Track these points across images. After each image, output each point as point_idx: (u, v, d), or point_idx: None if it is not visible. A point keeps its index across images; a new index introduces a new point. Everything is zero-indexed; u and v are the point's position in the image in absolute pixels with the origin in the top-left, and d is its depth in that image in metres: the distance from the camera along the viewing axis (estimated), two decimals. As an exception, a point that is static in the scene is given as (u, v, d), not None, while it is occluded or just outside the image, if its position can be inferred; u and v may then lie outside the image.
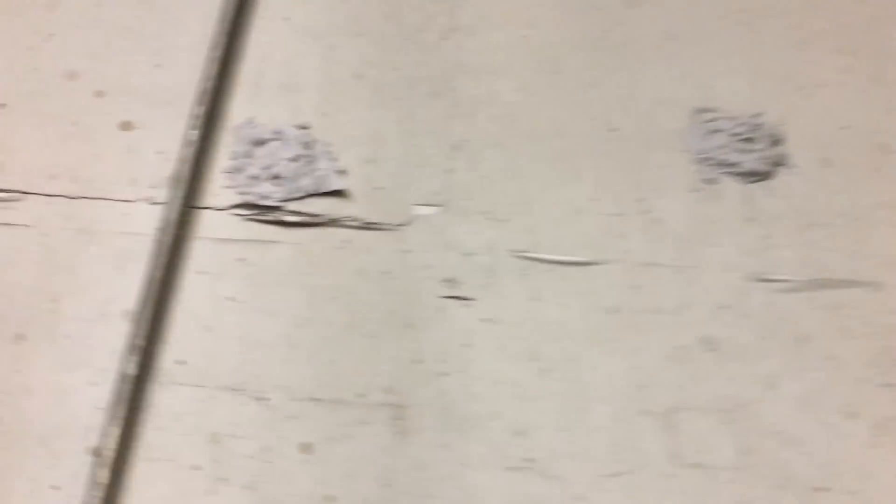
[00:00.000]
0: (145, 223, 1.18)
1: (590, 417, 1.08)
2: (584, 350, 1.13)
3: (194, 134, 1.22)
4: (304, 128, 1.28)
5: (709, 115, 1.34)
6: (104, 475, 0.98)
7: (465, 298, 1.16)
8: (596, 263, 1.20)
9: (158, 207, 1.19)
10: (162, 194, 1.20)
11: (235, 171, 1.24)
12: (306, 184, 1.22)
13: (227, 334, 1.12)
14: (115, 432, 1.00)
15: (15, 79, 1.30)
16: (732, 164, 1.29)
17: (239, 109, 1.30)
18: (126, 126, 1.26)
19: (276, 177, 1.22)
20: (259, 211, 1.20)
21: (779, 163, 1.30)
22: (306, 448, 1.04)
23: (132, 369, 1.04)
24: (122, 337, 1.08)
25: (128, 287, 1.13)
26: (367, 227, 1.21)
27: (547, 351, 1.13)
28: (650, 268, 1.20)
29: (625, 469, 1.04)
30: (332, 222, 1.20)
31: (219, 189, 1.22)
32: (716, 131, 1.32)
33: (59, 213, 1.18)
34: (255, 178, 1.22)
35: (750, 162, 1.29)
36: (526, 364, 1.11)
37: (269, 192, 1.21)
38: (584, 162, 1.29)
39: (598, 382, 1.10)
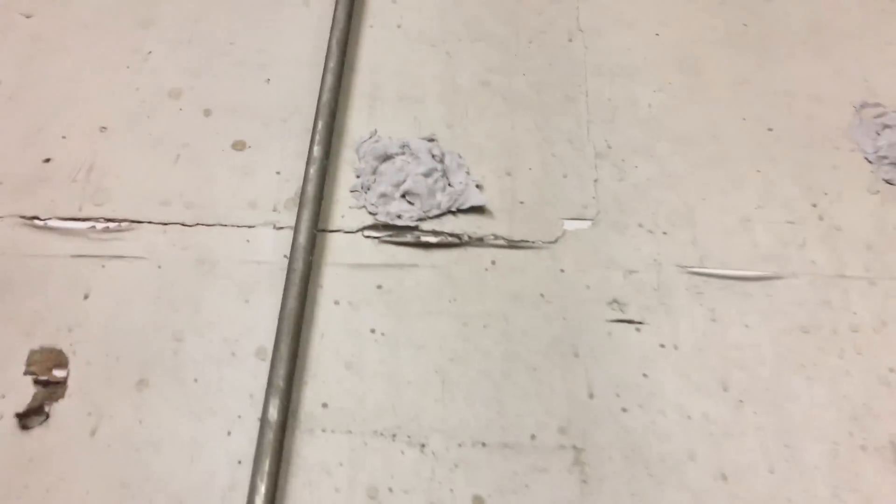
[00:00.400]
0: (270, 250, 1.06)
1: (801, 455, 0.93)
2: (781, 377, 0.98)
3: (318, 150, 1.10)
4: (431, 140, 1.16)
5: (875, 111, 1.20)
6: (255, 540, 0.84)
7: (634, 322, 1.02)
8: (777, 277, 1.05)
9: (283, 232, 1.07)
10: (285, 217, 1.08)
11: (363, 189, 1.11)
12: (442, 200, 1.10)
13: (372, 371, 0.98)
14: (262, 489, 0.86)
15: (115, 100, 1.19)
16: (914, 162, 1.15)
17: (358, 123, 1.19)
18: (239, 145, 1.14)
19: (408, 194, 1.10)
20: (393, 232, 1.08)
21: (963, 159, 1.16)
22: (479, 502, 0.90)
23: (275, 415, 0.90)
24: (258, 378, 0.95)
25: (257, 321, 1.00)
26: (514, 245, 1.08)
27: (738, 379, 0.98)
28: (839, 280, 1.05)
29: (853, 515, 0.89)
30: (476, 242, 1.07)
31: (347, 210, 1.10)
32: (886, 127, 1.18)
33: (174, 242, 1.06)
34: (385, 196, 1.10)
35: (933, 158, 1.15)
36: (717, 395, 0.97)
37: (403, 211, 1.09)
38: (744, 166, 1.16)
39: (804, 414, 0.95)
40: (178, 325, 1.00)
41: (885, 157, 1.15)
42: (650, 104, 1.22)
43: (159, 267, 1.04)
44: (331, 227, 1.08)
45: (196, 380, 0.96)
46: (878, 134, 1.17)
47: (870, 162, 1.16)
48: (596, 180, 1.14)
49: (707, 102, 1.22)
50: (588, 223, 1.10)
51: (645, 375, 0.98)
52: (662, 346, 1.00)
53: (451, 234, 1.08)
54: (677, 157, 1.16)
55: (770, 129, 1.19)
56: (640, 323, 1.02)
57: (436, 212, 1.09)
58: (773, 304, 1.04)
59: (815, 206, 1.12)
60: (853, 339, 1.01)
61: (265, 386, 0.93)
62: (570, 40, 1.29)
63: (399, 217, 1.08)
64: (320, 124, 1.13)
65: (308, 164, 1.10)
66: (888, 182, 1.14)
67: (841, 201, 1.12)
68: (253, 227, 1.08)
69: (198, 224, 1.08)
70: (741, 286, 1.05)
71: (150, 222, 1.08)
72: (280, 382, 0.93)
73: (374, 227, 1.08)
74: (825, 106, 1.22)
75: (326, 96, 1.16)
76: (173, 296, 1.02)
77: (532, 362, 0.99)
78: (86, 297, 1.02)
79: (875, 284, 1.05)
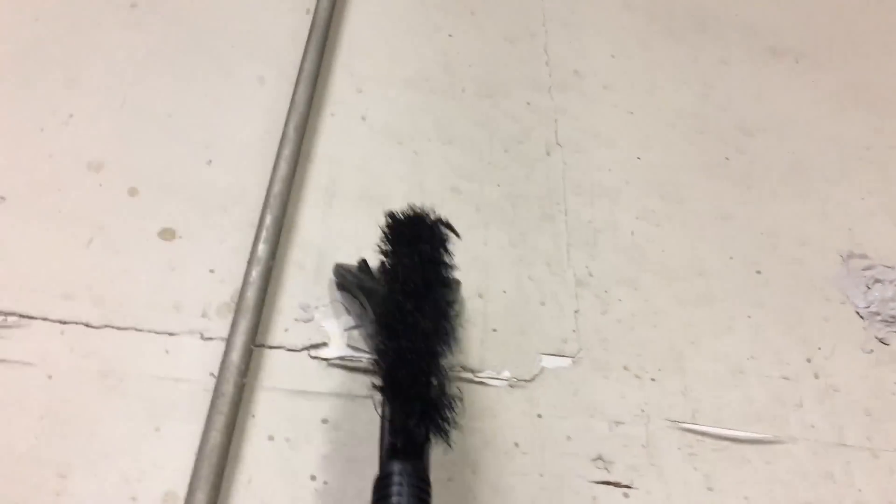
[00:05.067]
0: (194, 365, 0.87)
1: None
2: (788, 563, 0.85)
3: (263, 249, 0.93)
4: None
5: (863, 263, 1.14)
6: None
7: (622, 485, 0.88)
8: (776, 442, 0.94)
9: (212, 344, 0.88)
10: (216, 326, 0.90)
11: (315, 299, 0.94)
12: (405, 321, 0.93)
13: (308, 531, 0.79)
14: None
15: (20, 166, 0.99)
16: (906, 320, 1.08)
17: (311, 221, 1.03)
18: (167, 234, 0.96)
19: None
20: (346, 355, 0.91)
21: (954, 322, 1.09)
22: None
23: (181, 589, 0.70)
24: (163, 535, 0.74)
25: (169, 457, 0.80)
26: (483, 381, 0.93)
27: (740, 563, 0.84)
28: (841, 449, 0.95)
29: None
30: (441, 374, 0.91)
31: (292, 322, 0.92)
32: (877, 281, 1.11)
33: (74, 346, 0.86)
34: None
35: (925, 318, 1.08)
36: (717, 583, 0.82)
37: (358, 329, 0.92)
38: (733, 309, 1.06)
39: None
40: (65, 457, 0.78)
41: (877, 314, 1.08)
42: (633, 231, 1.11)
43: (50, 377, 0.83)
44: (271, 343, 0.91)
45: (80, 532, 0.75)
46: (868, 288, 1.10)
47: (861, 317, 1.08)
48: (577, 311, 1.01)
49: (691, 235, 1.13)
50: (568, 361, 0.96)
51: (634, 553, 0.83)
52: (654, 516, 0.86)
53: (414, 363, 0.91)
54: (663, 292, 1.06)
55: (758, 272, 1.10)
56: (628, 487, 0.88)
57: (397, 334, 0.93)
58: (773, 473, 0.91)
59: (809, 361, 1.02)
60: (860, 520, 0.89)
61: (172, 548, 0.72)
62: (548, 153, 1.18)
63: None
64: (269, 218, 0.97)
65: (250, 263, 0.93)
66: (881, 341, 1.06)
67: (835, 358, 1.03)
68: (175, 334, 0.89)
69: (106, 326, 0.88)
70: (738, 449, 0.92)
71: (45, 319, 0.87)
72: (192, 544, 0.72)
73: (324, 345, 0.91)
74: (811, 251, 1.15)
75: (278, 187, 1.01)
76: (64, 417, 0.81)
77: (504, 529, 0.82)
78: (-54, 410, 0.79)
79: (878, 457, 0.95)
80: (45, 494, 0.75)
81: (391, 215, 0.79)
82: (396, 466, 0.65)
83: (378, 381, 0.68)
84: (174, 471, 0.79)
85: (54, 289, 0.89)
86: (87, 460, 0.78)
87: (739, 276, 1.10)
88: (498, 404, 0.91)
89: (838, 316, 1.08)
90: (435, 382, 0.67)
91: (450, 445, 0.67)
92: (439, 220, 0.78)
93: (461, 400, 0.69)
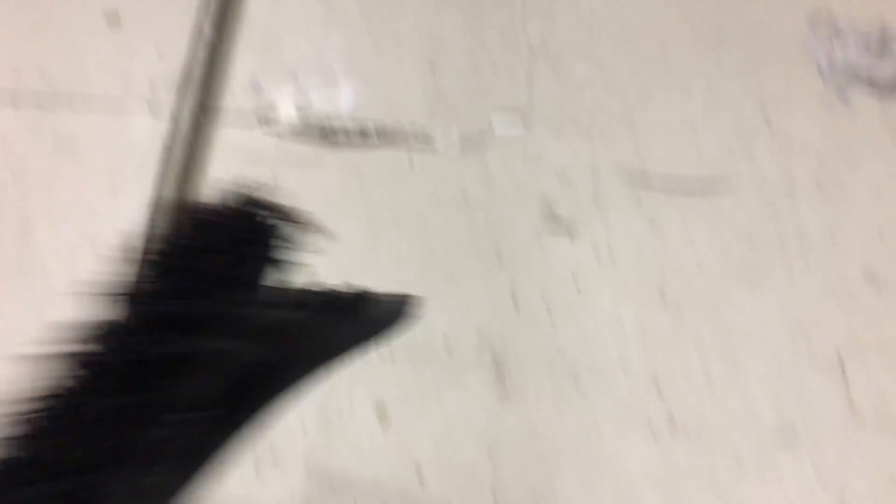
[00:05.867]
0: (145, 135, 0.89)
1: (742, 365, 0.83)
2: (725, 288, 0.88)
3: (209, 27, 0.94)
4: (344, 25, 1.01)
5: (828, 25, 1.11)
6: None
7: (568, 228, 0.90)
8: (724, 188, 0.95)
9: (162, 116, 0.90)
10: (166, 100, 0.91)
11: (264, 76, 0.95)
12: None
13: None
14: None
15: (-35, -42, 0.99)
16: (868, 78, 1.06)
17: (258, 6, 1.02)
18: (112, 18, 0.97)
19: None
20: (296, 126, 0.92)
21: (918, 76, 1.08)
22: (382, 416, 0.76)
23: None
24: (122, 275, 0.79)
25: (126, 212, 0.83)
26: (435, 150, 0.94)
27: (678, 290, 0.87)
28: (790, 194, 0.96)
29: (793, 431, 0.79)
30: (391, 139, 0.93)
31: (241, 95, 0.94)
32: (841, 42, 1.09)
33: (25, 117, 0.88)
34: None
35: (888, 75, 1.06)
36: (654, 304, 0.86)
37: (309, 103, 0.94)
38: (691, 71, 1.05)
39: (746, 323, 0.85)
40: (24, 213, 0.83)
41: (839, 73, 1.06)
42: (591, 1, 1.09)
43: (3, 139, 0.86)
44: (220, 114, 0.92)
45: (46, 270, 0.79)
46: (832, 49, 1.08)
47: (823, 77, 1.06)
48: (529, 76, 1.01)
49: (653, 6, 1.10)
50: (520, 123, 0.97)
51: (576, 284, 0.86)
52: (597, 254, 0.89)
53: (363, 132, 0.93)
54: (620, 59, 1.05)
55: (720, 39, 1.08)
56: (574, 230, 0.90)
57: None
58: (719, 215, 0.93)
59: (765, 117, 1.02)
60: (801, 251, 0.91)
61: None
62: (505, -69, 1.15)
63: (304, 109, 0.93)
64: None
65: (197, 41, 0.94)
66: (842, 99, 1.05)
67: (793, 114, 1.03)
68: (125, 107, 0.91)
69: (56, 100, 0.90)
70: (686, 198, 0.94)
71: (-2, 95, 0.90)
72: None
73: (272, 117, 0.93)
74: (776, 15, 1.12)
75: (223, -33, 1.00)
76: (20, 178, 0.85)
77: (452, 268, 0.86)
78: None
79: (827, 202, 0.96)
80: (10, 241, 0.80)
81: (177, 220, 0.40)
82: None
83: None
84: (130, 224, 0.83)
85: (3, 64, 0.91)
86: (48, 215, 0.82)
87: (701, 41, 1.08)
88: (449, 167, 0.93)
89: (800, 75, 1.06)
90: None
91: None
92: (254, 211, 0.40)
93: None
